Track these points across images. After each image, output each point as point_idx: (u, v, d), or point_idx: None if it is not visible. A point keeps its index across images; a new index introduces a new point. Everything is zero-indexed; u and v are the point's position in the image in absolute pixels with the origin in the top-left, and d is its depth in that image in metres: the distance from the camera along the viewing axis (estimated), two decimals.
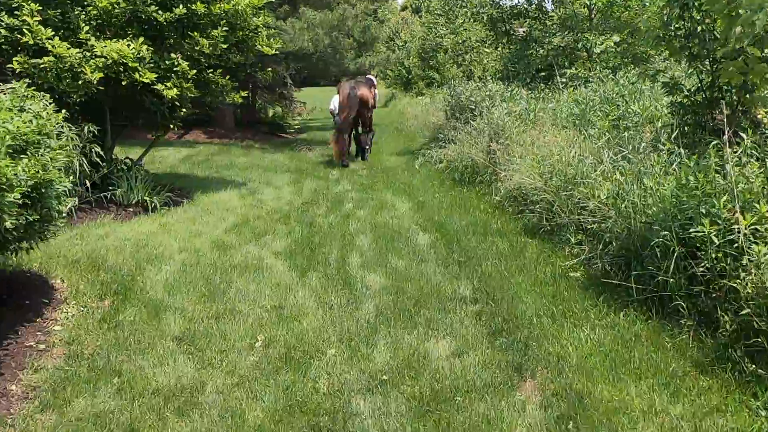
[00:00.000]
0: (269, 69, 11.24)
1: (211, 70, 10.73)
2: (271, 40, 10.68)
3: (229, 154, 15.35)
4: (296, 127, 20.89)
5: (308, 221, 8.45)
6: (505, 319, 4.85)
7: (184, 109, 9.51)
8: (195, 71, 8.91)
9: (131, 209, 9.01)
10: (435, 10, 28.16)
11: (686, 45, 6.90)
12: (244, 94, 11.12)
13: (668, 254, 4.67)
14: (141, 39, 8.36)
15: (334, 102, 13.74)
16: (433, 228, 7.68)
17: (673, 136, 6.41)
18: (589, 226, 6.04)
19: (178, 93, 8.69)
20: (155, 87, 8.45)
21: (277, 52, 10.61)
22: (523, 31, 13.25)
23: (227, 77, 10.95)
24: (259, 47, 10.47)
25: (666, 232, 4.67)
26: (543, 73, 12.51)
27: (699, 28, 6.44)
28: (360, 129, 13.81)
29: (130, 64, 8.23)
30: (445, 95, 12.97)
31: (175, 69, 8.68)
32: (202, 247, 7.25)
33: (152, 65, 8.63)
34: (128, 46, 8.19)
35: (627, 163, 6.44)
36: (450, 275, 5.99)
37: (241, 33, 10.22)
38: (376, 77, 16.36)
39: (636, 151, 6.55)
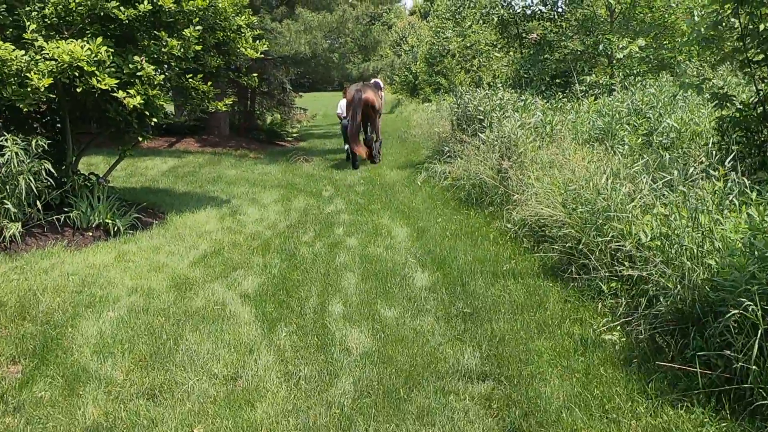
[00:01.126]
0: (254, 75, 9.99)
1: (191, 75, 9.61)
2: (257, 42, 9.49)
3: (219, 165, 14.17)
4: (295, 134, 19.69)
5: (290, 251, 7.23)
6: (525, 412, 3.60)
7: (155, 119, 8.30)
8: (162, 76, 7.71)
9: (90, 234, 7.82)
10: (443, 14, 26.97)
11: (741, 48, 5.65)
12: (228, 101, 9.96)
13: (747, 328, 3.41)
14: (99, 39, 7.17)
15: (341, 106, 14.21)
16: (433, 264, 6.44)
17: (728, 159, 5.16)
18: (626, 273, 4.78)
19: (143, 101, 7.48)
20: (115, 95, 7.25)
21: (262, 55, 9.42)
22: (537, 35, 12.01)
23: (209, 83, 9.81)
24: (242, 50, 9.29)
25: (744, 300, 3.41)
26: (558, 80, 11.25)
27: (762, 27, 5.19)
28: (367, 132, 13.60)
29: (86, 68, 7.05)
30: (451, 103, 11.75)
31: (138, 74, 7.47)
32: (159, 286, 6.04)
33: (114, 69, 7.45)
34: (82, 47, 7.00)
35: (671, 192, 5.19)
36: (452, 335, 4.75)
37: (221, 34, 9.05)
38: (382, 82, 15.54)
39: (681, 176, 5.29)
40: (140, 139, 8.52)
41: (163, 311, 5.41)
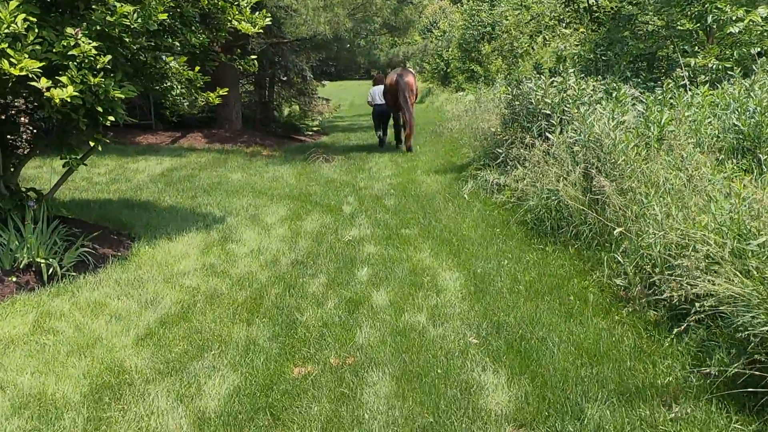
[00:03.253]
0: (253, 57, 7.56)
1: (172, 57, 7.26)
2: (257, 14, 7.06)
3: (224, 166, 11.79)
4: (316, 128, 17.23)
5: (289, 314, 4.81)
6: None
7: (111, 117, 5.90)
8: (108, 57, 5.29)
9: (14, 279, 5.47)
10: None
11: None
12: (222, 92, 7.60)
13: None
14: (14, 2, 4.77)
15: (372, 93, 13.77)
16: (511, 356, 3.94)
17: None
18: None
19: (79, 92, 5.08)
20: (32, 83, 4.86)
21: (261, 30, 6.99)
22: (613, 7, 9.35)
23: (197, 69, 7.44)
24: (235, 23, 6.86)
25: None
26: (638, 65, 8.61)
27: None
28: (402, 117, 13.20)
29: None
30: (504, 93, 9.21)
31: (71, 53, 5.07)
32: (70, 392, 3.68)
33: (42, 48, 5.06)
34: None
35: None
36: None
37: (206, 2, 6.63)
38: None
39: None
40: (91, 144, 6.10)
41: None
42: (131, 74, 6.68)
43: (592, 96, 7.45)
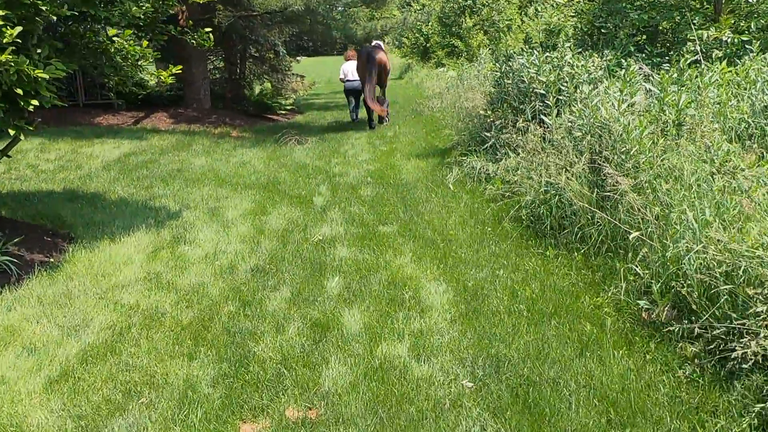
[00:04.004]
0: (207, 30, 6.57)
1: (115, 31, 6.30)
2: None
3: (188, 150, 10.76)
4: (289, 107, 16.17)
5: (240, 344, 3.91)
6: None
7: (35, 102, 4.93)
8: (19, 28, 4.30)
9: None
10: None
11: None
12: (176, 70, 6.63)
13: None
14: None
15: (344, 69, 13.45)
16: (516, 410, 3.08)
17: None
18: None
19: None
20: None
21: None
22: None
23: (145, 44, 6.48)
24: None
25: None
26: (644, 37, 7.71)
27: None
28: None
29: None
30: (491, 70, 8.27)
31: None
32: None
33: None
34: None
35: None
36: None
37: None
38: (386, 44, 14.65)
39: None
40: (11, 132, 5.10)
41: None
42: (62, 50, 5.69)
43: (591, 73, 6.56)
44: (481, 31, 24.10)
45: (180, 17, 13.40)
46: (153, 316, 4.36)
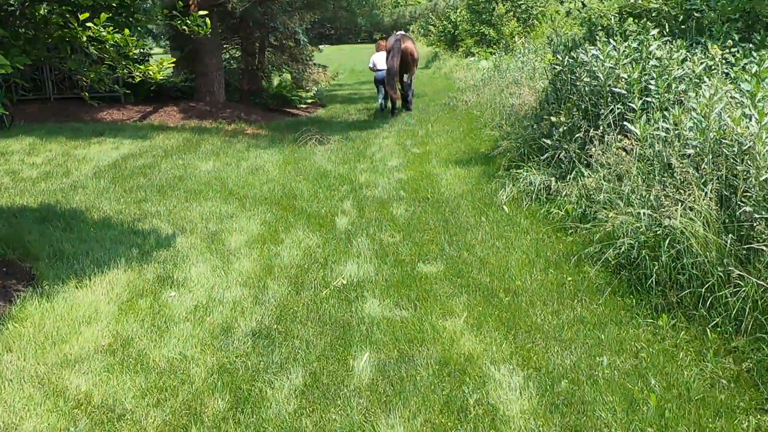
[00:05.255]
0: (202, 14, 5.15)
1: (88, 16, 4.97)
2: None
3: (196, 150, 9.41)
4: (310, 100, 14.74)
5: None
6: None
7: None
8: None
9: None
10: None
11: None
12: (168, 63, 5.35)
13: None
14: None
15: (374, 60, 12.96)
16: None
17: None
18: None
19: None
20: None
21: None
22: None
23: (127, 32, 5.12)
24: None
25: None
26: (737, 24, 6.15)
27: None
28: (404, 80, 12.82)
29: None
30: (551, 62, 6.77)
31: None
32: None
33: None
34: None
35: None
36: None
37: None
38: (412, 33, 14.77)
39: None
40: None
41: None
42: (10, 40, 4.34)
43: (692, 70, 5.05)
44: (514, 18, 22.43)
45: (191, 2, 12.03)
46: (106, 420, 3.00)
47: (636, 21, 6.10)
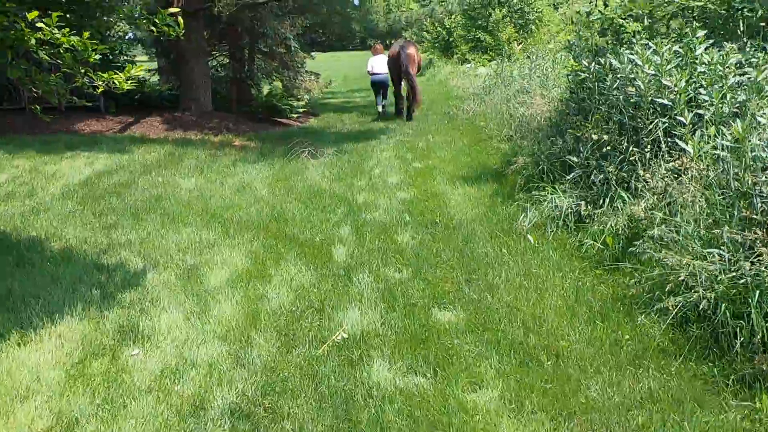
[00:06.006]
0: (173, 11, 4.29)
1: (37, 13, 4.11)
2: None
3: (178, 166, 8.55)
4: (302, 109, 13.91)
5: None
6: None
7: None
8: None
9: None
10: None
11: None
12: (137, 71, 4.49)
13: None
14: None
15: (371, 63, 13.10)
16: None
17: None
18: None
19: None
20: None
21: None
22: None
23: (86, 35, 4.28)
24: None
25: None
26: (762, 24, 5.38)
27: None
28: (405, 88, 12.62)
29: None
30: (575, 68, 5.96)
31: None
32: None
33: None
34: None
35: None
36: None
37: None
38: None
39: None
40: None
41: None
42: None
43: (750, 77, 4.26)
44: (511, 24, 21.73)
45: (175, 2, 11.19)
46: None
47: (668, 22, 5.31)
